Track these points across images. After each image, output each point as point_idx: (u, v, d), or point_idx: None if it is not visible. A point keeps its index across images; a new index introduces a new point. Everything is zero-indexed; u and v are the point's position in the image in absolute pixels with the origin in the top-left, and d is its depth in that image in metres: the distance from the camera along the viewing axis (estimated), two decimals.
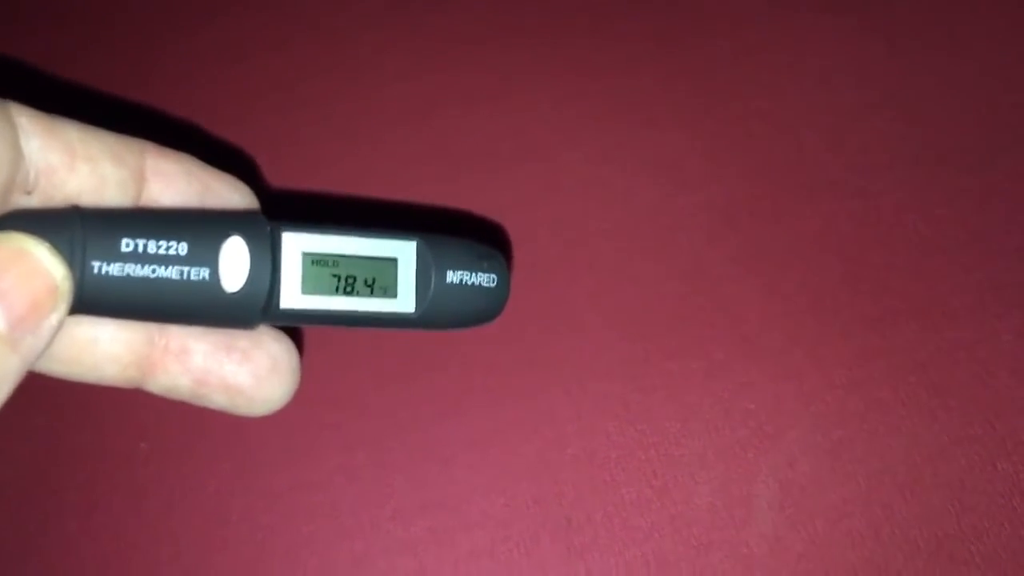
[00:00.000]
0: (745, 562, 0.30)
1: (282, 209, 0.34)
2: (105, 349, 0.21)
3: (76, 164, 0.20)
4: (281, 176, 0.36)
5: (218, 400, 0.23)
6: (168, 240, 0.20)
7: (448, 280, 0.24)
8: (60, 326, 0.18)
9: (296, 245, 0.22)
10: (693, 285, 0.34)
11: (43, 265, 0.18)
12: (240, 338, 0.23)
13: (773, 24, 0.39)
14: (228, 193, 0.23)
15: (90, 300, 0.19)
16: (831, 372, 0.33)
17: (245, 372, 0.22)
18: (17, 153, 0.19)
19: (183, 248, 0.20)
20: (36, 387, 0.32)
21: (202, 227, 0.20)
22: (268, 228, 0.21)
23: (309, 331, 0.33)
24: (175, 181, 0.22)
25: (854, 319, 0.34)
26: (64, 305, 0.18)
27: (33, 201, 0.20)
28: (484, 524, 0.31)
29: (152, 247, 0.19)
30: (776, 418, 0.32)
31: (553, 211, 0.35)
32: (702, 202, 0.36)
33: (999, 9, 0.39)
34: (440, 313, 0.24)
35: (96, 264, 0.19)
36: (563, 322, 0.34)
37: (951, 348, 0.33)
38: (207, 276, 0.20)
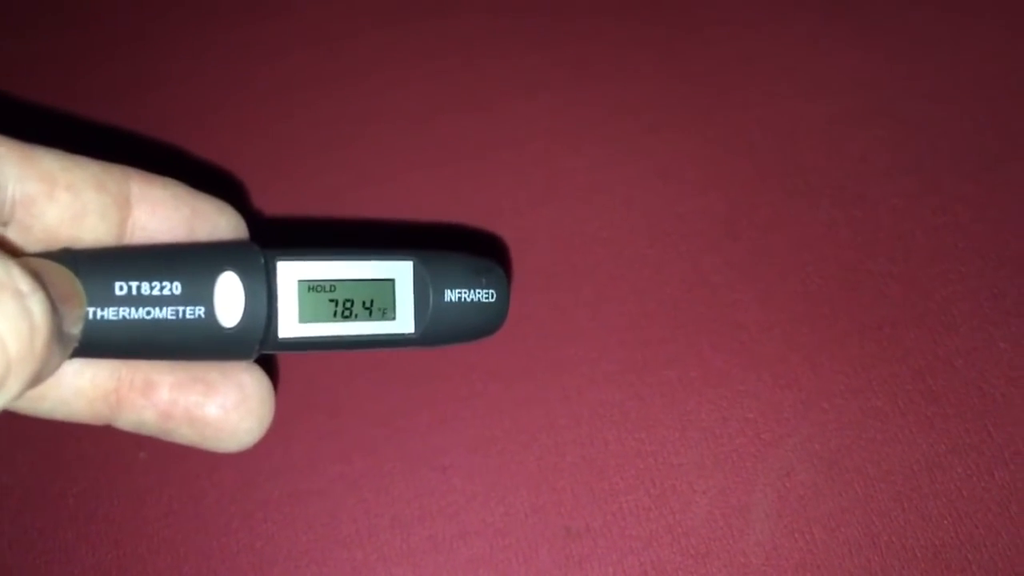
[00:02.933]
0: (743, 571, 0.30)
1: (272, 232, 0.35)
2: (71, 384, 0.21)
3: (56, 193, 0.20)
4: (270, 194, 0.36)
5: (186, 434, 0.22)
6: (162, 280, 0.19)
7: (447, 299, 0.24)
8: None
9: (291, 273, 0.22)
10: (692, 292, 0.34)
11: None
12: (210, 370, 0.22)
13: (772, 32, 0.39)
14: (216, 217, 0.23)
15: (86, 345, 0.19)
16: (829, 380, 0.33)
17: (212, 405, 0.22)
18: None
19: (177, 287, 0.20)
20: None
21: (195, 264, 0.20)
22: (262, 259, 0.21)
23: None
24: (162, 207, 0.22)
25: (852, 327, 0.34)
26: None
27: (10, 233, 0.20)
28: (483, 532, 0.31)
29: (146, 288, 0.19)
30: (774, 426, 0.32)
31: (552, 218, 0.35)
32: (701, 209, 0.36)
33: (998, 16, 0.39)
34: (440, 332, 0.24)
35: (91, 310, 0.19)
36: (561, 329, 0.34)
37: (949, 356, 0.33)
38: (203, 314, 0.20)
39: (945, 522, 0.31)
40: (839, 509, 0.31)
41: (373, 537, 0.31)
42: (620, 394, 0.33)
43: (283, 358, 0.33)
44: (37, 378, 0.17)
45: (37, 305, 0.16)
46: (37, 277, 0.16)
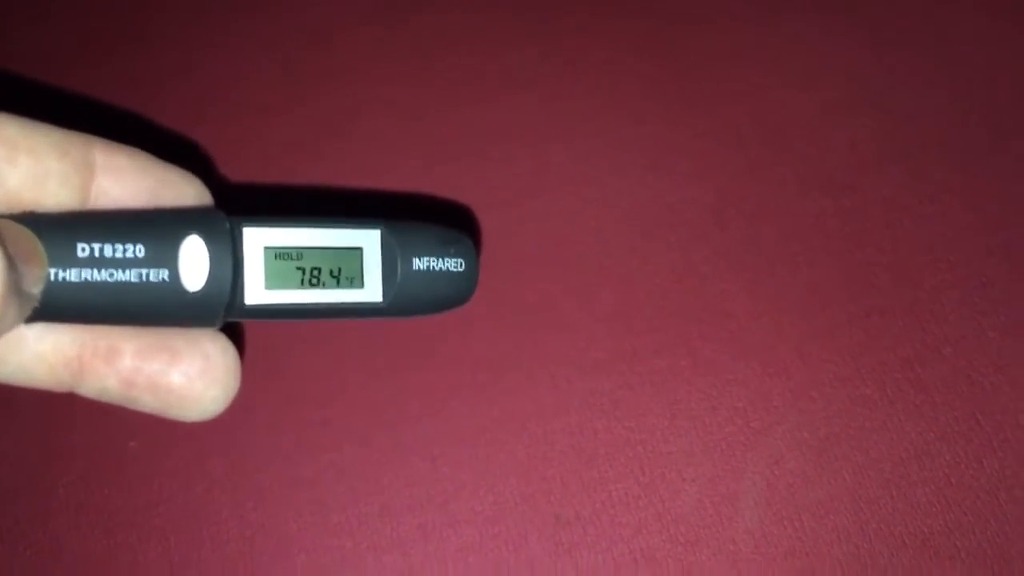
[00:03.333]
0: (732, 558, 0.30)
1: (242, 204, 0.35)
2: (32, 348, 0.21)
3: (17, 157, 0.19)
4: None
5: (149, 402, 0.22)
6: (124, 243, 0.19)
7: (415, 267, 0.24)
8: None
9: (257, 240, 0.22)
10: (681, 282, 0.34)
11: None
12: (175, 338, 0.22)
13: (761, 24, 0.39)
14: (182, 187, 0.22)
15: (47, 307, 0.18)
16: (818, 369, 0.33)
17: (176, 372, 0.21)
18: None
19: (140, 250, 0.19)
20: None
21: (159, 227, 0.20)
22: (227, 224, 0.21)
23: (294, 327, 0.33)
24: (126, 175, 0.21)
25: (841, 316, 0.34)
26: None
27: None
28: (472, 521, 0.31)
29: (109, 251, 0.19)
30: (763, 414, 0.32)
31: (541, 208, 0.36)
32: (690, 199, 0.36)
33: (984, 8, 0.40)
34: (409, 301, 0.24)
35: (52, 271, 0.18)
36: (551, 318, 0.34)
37: (937, 345, 0.33)
38: (167, 277, 0.20)
39: (934, 509, 0.31)
40: (828, 497, 0.31)
41: (363, 526, 0.31)
42: (609, 383, 0.33)
43: (271, 345, 0.33)
44: None
45: None
46: None
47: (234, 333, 0.22)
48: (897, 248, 0.35)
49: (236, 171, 0.36)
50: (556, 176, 0.36)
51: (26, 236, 0.18)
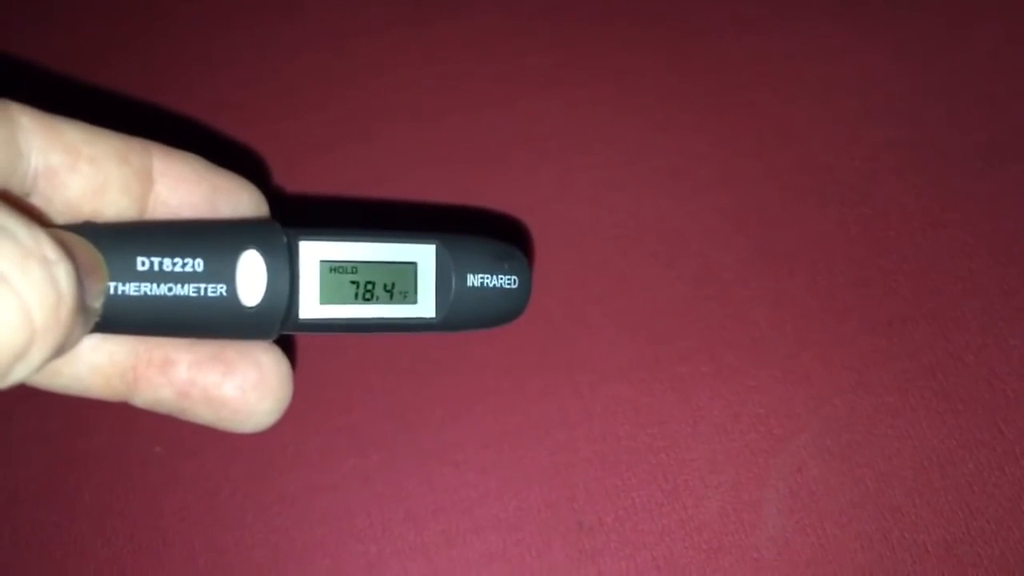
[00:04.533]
0: (755, 566, 0.31)
1: (293, 211, 0.35)
2: (88, 359, 0.21)
3: (79, 165, 0.19)
4: (291, 177, 0.36)
5: (203, 414, 0.22)
6: (184, 257, 0.19)
7: (469, 283, 0.23)
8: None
9: (313, 253, 0.22)
10: (703, 289, 0.35)
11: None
12: (228, 348, 0.22)
13: (782, 31, 0.39)
14: (237, 193, 0.22)
15: (105, 320, 0.18)
16: (840, 376, 0.33)
17: (230, 384, 0.21)
18: (15, 152, 0.18)
19: (199, 264, 0.19)
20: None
21: (217, 241, 0.20)
22: (284, 239, 0.21)
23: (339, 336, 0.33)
24: (183, 182, 0.21)
25: (863, 323, 0.34)
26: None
27: (33, 203, 0.19)
28: (496, 527, 0.31)
29: (168, 265, 0.19)
30: (785, 422, 0.32)
31: (564, 215, 0.36)
32: (712, 206, 0.36)
33: (1004, 15, 0.40)
34: (461, 317, 0.23)
35: (112, 285, 0.18)
36: (574, 325, 0.34)
37: (959, 352, 0.33)
38: (224, 292, 0.20)
39: (957, 517, 0.31)
40: (850, 504, 0.31)
41: (387, 531, 0.31)
42: (632, 390, 0.33)
43: (297, 350, 0.33)
44: (60, 350, 0.16)
45: (64, 274, 0.16)
46: (64, 247, 0.16)
47: (286, 343, 0.22)
48: (918, 256, 0.35)
49: (256, 171, 0.36)
50: (578, 183, 0.36)
51: (89, 250, 0.18)
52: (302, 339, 0.33)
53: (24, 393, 0.32)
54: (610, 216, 0.36)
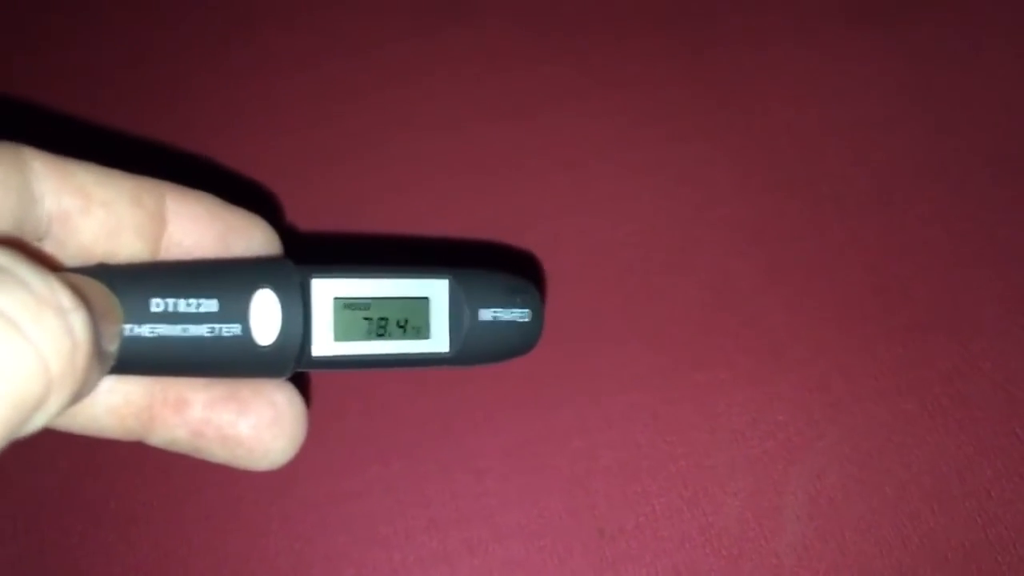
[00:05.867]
0: (775, 572, 0.31)
1: (305, 247, 0.35)
2: (103, 401, 0.21)
3: (92, 208, 0.19)
4: (301, 205, 0.36)
5: (218, 453, 0.22)
6: (198, 297, 0.19)
7: (482, 318, 0.23)
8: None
9: (326, 291, 0.22)
10: (720, 297, 0.35)
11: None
12: (242, 387, 0.22)
13: (796, 40, 0.40)
14: (250, 231, 0.22)
15: (121, 362, 0.18)
16: (858, 383, 0.33)
17: (245, 423, 0.21)
18: (28, 198, 0.18)
19: (213, 304, 0.19)
20: None
21: (231, 280, 0.20)
22: (297, 277, 0.21)
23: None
24: (196, 222, 0.21)
25: (880, 330, 0.34)
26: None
27: (46, 248, 0.19)
28: (518, 535, 0.31)
29: (182, 305, 0.19)
30: (804, 429, 0.33)
31: (581, 224, 0.36)
32: (728, 215, 0.36)
33: (1021, 21, 0.40)
34: (475, 351, 0.24)
35: (127, 327, 0.18)
36: (592, 333, 0.34)
37: (977, 359, 0.34)
38: (239, 331, 0.20)
39: (975, 524, 0.31)
40: (870, 511, 0.31)
41: (410, 539, 0.31)
42: (651, 397, 0.33)
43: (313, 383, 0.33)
44: (77, 396, 0.16)
45: (79, 322, 0.15)
46: (78, 292, 0.16)
47: (300, 380, 0.23)
48: (935, 263, 0.35)
49: (280, 182, 0.37)
50: (594, 191, 0.37)
51: (103, 293, 0.18)
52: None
53: None
54: (626, 225, 0.36)
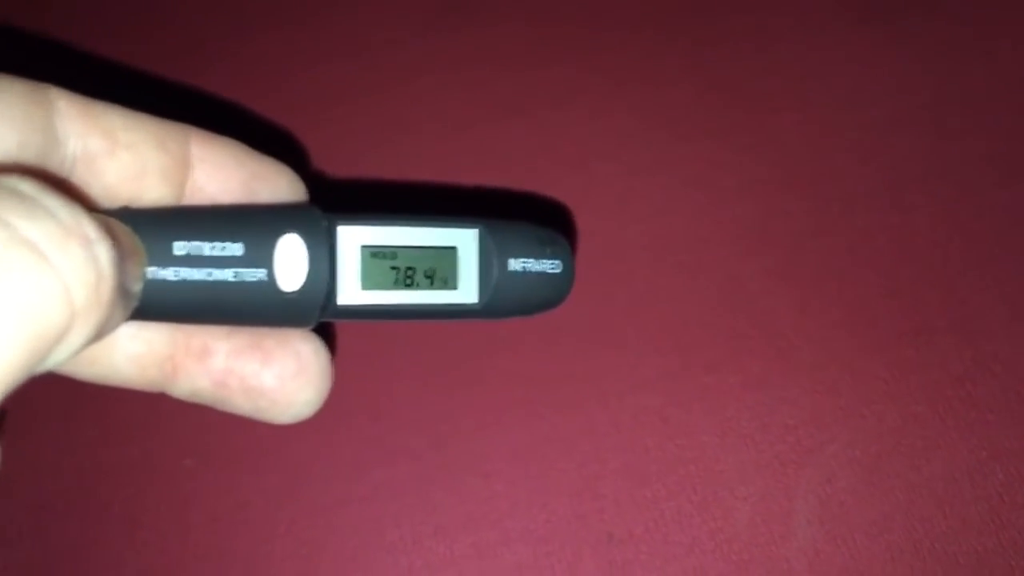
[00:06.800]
0: None
1: (331, 197, 0.35)
2: (125, 348, 0.20)
3: (117, 151, 0.19)
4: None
5: (241, 404, 0.21)
6: (223, 241, 0.19)
7: (511, 268, 0.23)
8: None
9: (353, 238, 0.21)
10: (729, 299, 0.35)
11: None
12: (267, 337, 0.21)
13: (803, 40, 0.39)
14: (275, 179, 0.22)
15: (143, 306, 0.18)
16: (868, 386, 0.33)
17: (269, 374, 0.21)
18: (52, 137, 0.18)
19: (238, 248, 0.19)
20: (81, 400, 0.32)
21: (256, 225, 0.20)
22: (324, 223, 0.20)
23: (347, 339, 0.33)
24: (221, 168, 0.21)
25: (890, 333, 0.34)
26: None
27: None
28: (526, 539, 0.31)
29: (207, 249, 0.19)
30: (814, 433, 0.32)
31: (589, 225, 0.36)
32: (737, 216, 0.36)
33: None
34: (504, 303, 0.23)
35: (150, 270, 0.18)
36: (600, 336, 0.34)
37: (987, 362, 0.33)
38: (264, 277, 0.19)
39: (987, 528, 0.31)
40: (881, 515, 0.31)
41: (417, 544, 0.31)
42: (660, 400, 0.33)
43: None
44: (99, 333, 0.16)
45: (104, 253, 0.15)
46: (105, 225, 0.16)
47: (325, 332, 0.22)
48: (945, 265, 0.35)
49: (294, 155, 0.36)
50: (602, 193, 0.36)
51: (127, 234, 0.18)
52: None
53: (54, 405, 0.32)
54: (635, 226, 0.36)
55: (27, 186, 0.15)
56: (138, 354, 0.20)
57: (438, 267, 0.22)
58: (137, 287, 0.18)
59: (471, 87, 0.38)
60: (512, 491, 0.32)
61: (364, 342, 0.33)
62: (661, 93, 0.38)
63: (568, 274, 0.24)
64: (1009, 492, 0.31)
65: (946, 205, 0.36)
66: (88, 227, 0.15)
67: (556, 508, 0.31)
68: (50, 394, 0.31)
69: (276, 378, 0.21)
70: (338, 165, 0.37)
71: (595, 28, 0.40)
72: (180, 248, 0.18)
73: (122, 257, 0.16)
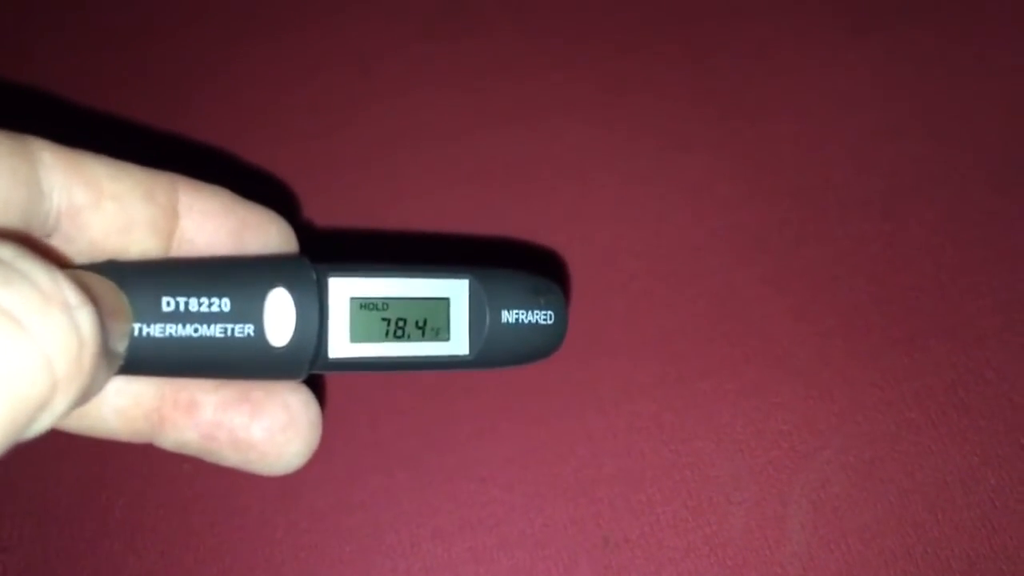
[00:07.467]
0: None
1: (323, 245, 0.35)
2: (112, 403, 0.20)
3: (102, 203, 0.19)
4: (316, 203, 0.36)
5: (229, 457, 0.21)
6: (210, 296, 0.19)
7: (504, 320, 0.23)
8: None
9: (343, 290, 0.21)
10: (724, 306, 0.35)
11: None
12: (255, 389, 0.21)
13: (799, 48, 0.40)
14: (265, 228, 0.22)
15: (130, 362, 0.18)
16: (862, 392, 0.33)
17: (258, 427, 0.21)
18: (36, 191, 0.18)
19: (226, 304, 0.19)
20: None
21: (245, 279, 0.19)
22: (314, 275, 0.20)
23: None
24: (210, 217, 0.21)
25: (884, 340, 0.34)
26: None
27: (55, 243, 0.19)
28: (522, 543, 0.31)
29: (194, 305, 0.18)
30: (808, 438, 0.33)
31: (585, 233, 0.36)
32: (732, 223, 0.36)
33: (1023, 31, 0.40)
34: (496, 354, 0.23)
35: (137, 326, 0.18)
36: (596, 342, 0.34)
37: (980, 368, 0.34)
38: (252, 332, 0.19)
39: (979, 534, 0.31)
40: (874, 520, 0.31)
41: (415, 548, 0.31)
42: (655, 406, 0.33)
43: (328, 384, 0.33)
44: (84, 397, 0.16)
45: (85, 319, 0.15)
46: (85, 289, 0.15)
47: (315, 383, 0.22)
48: (939, 272, 0.35)
49: (293, 192, 0.37)
50: (598, 201, 0.37)
51: (112, 291, 0.18)
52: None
53: None
54: (631, 234, 0.36)
55: (3, 250, 0.14)
56: (124, 407, 0.20)
57: (430, 318, 0.22)
58: (122, 346, 0.17)
59: (465, 98, 0.39)
60: (509, 496, 0.32)
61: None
62: (657, 102, 0.39)
63: (561, 325, 0.24)
64: (1001, 498, 0.32)
65: (939, 213, 0.36)
66: (68, 291, 0.15)
67: (552, 513, 0.32)
68: None
69: (265, 431, 0.21)
70: (327, 190, 0.37)
71: (592, 37, 0.40)
72: (168, 304, 0.18)
73: (106, 317, 0.16)
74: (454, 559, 0.31)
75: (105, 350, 0.16)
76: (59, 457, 0.32)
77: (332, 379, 0.33)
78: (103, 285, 0.17)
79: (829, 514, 0.32)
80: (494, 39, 0.40)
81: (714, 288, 0.35)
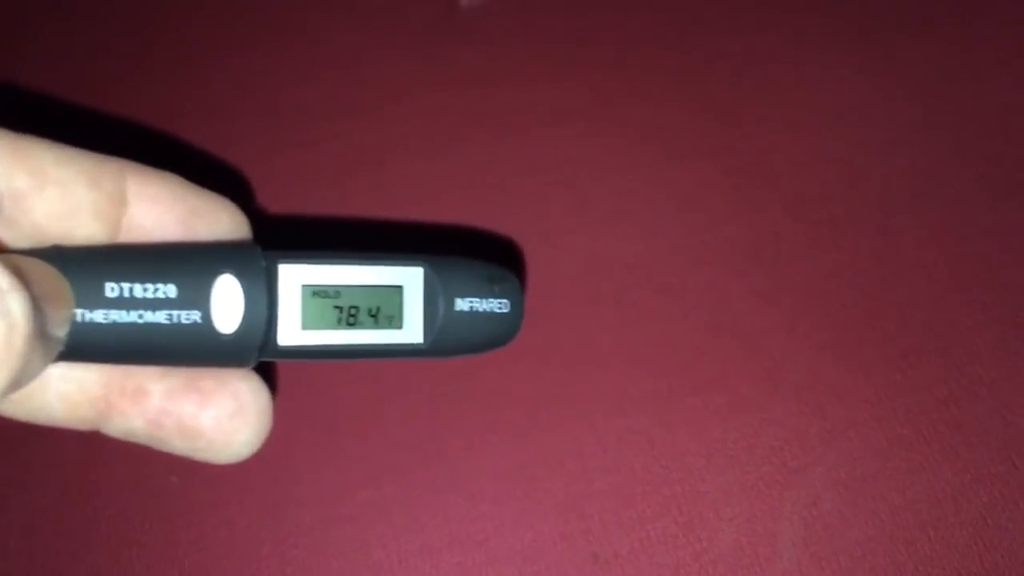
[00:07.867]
0: None
1: (277, 231, 0.34)
2: (56, 388, 0.20)
3: (46, 188, 0.19)
4: (275, 196, 0.36)
5: (177, 444, 0.21)
6: (155, 282, 0.18)
7: (458, 308, 0.23)
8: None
9: (294, 277, 0.21)
10: (716, 320, 0.35)
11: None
12: (205, 376, 0.21)
13: (796, 61, 0.40)
14: (216, 215, 0.21)
15: (72, 348, 0.18)
16: (854, 408, 0.33)
17: (206, 415, 0.21)
18: None
19: (171, 290, 0.19)
20: None
21: (191, 265, 0.19)
22: (263, 261, 0.20)
23: (332, 363, 0.33)
24: (159, 204, 0.20)
25: (876, 356, 0.34)
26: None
27: None
28: (512, 559, 0.31)
29: (139, 291, 0.18)
30: (800, 454, 0.33)
31: (576, 244, 0.36)
32: (725, 237, 0.36)
33: (1018, 45, 0.40)
34: (450, 342, 0.23)
35: (79, 312, 0.18)
36: (587, 356, 0.34)
37: (973, 385, 0.34)
38: (199, 319, 0.19)
39: (971, 551, 0.31)
40: (865, 538, 0.31)
41: (403, 564, 0.31)
42: (646, 421, 0.33)
43: (309, 380, 0.33)
44: (16, 382, 0.16)
45: (16, 303, 0.15)
46: (18, 273, 0.15)
47: (266, 369, 0.22)
48: (932, 288, 0.35)
49: (272, 202, 0.36)
50: (590, 212, 0.36)
51: (52, 275, 0.17)
52: (314, 369, 0.33)
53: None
54: (623, 246, 0.36)
55: None
56: (68, 393, 0.20)
57: (383, 306, 0.22)
58: (62, 332, 0.17)
59: (457, 106, 0.38)
60: (498, 511, 0.32)
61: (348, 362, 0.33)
62: (651, 113, 0.38)
63: (517, 313, 0.24)
64: (993, 515, 0.32)
65: (933, 228, 0.36)
66: None
67: (542, 528, 0.31)
68: None
69: (213, 419, 0.21)
70: (304, 198, 0.37)
71: (585, 47, 0.40)
72: (111, 290, 0.18)
73: (43, 302, 0.16)
74: (442, 574, 0.31)
75: (41, 335, 0.16)
76: (44, 470, 0.32)
77: (320, 392, 0.33)
78: (41, 269, 0.17)
79: (820, 531, 0.31)
80: (485, 49, 0.40)
81: (706, 301, 0.35)
